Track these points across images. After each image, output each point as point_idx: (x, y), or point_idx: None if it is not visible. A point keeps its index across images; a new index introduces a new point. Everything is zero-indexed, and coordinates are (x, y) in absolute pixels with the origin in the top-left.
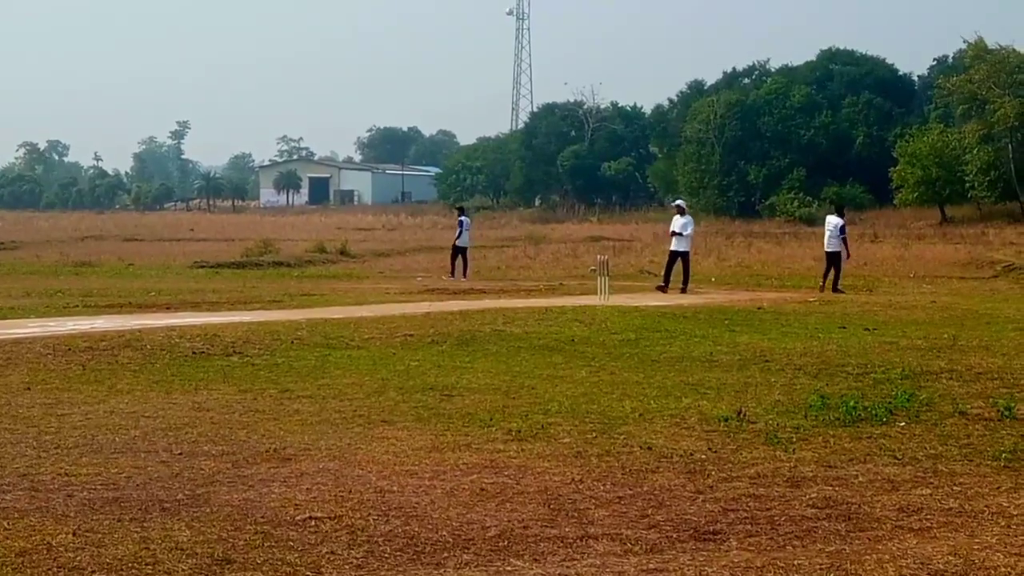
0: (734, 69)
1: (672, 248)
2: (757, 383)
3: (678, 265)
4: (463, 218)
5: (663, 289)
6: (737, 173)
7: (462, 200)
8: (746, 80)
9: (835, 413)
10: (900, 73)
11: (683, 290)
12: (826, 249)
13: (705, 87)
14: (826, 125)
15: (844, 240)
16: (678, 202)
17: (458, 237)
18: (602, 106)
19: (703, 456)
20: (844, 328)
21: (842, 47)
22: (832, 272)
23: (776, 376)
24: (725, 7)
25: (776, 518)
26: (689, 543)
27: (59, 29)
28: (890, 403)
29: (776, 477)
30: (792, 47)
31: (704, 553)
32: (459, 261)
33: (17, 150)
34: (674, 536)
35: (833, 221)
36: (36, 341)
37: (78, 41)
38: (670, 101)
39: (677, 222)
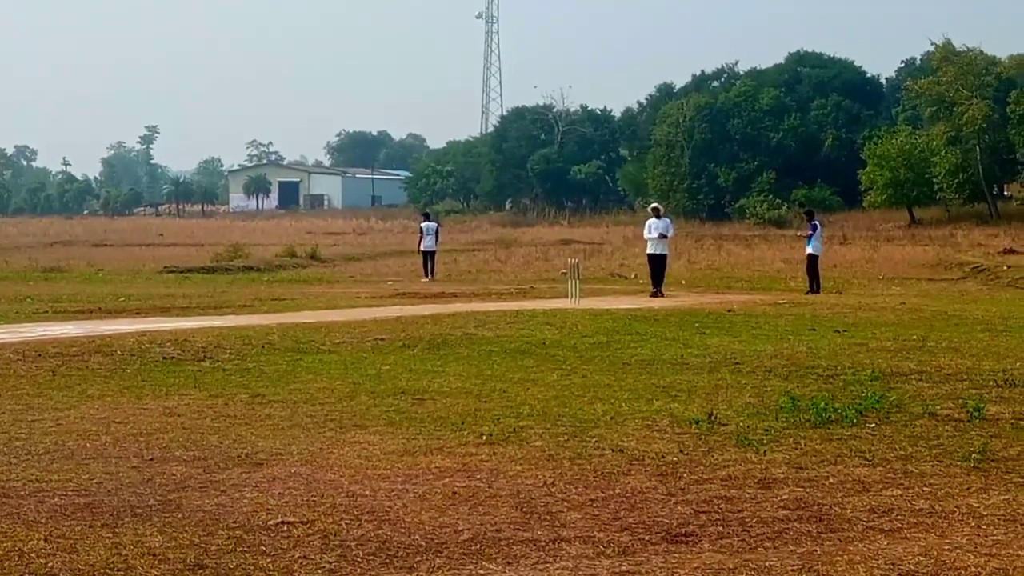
0: (703, 72)
1: (654, 252)
2: (728, 385)
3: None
4: (423, 224)
5: (658, 294)
6: (707, 176)
7: (432, 204)
8: (715, 83)
9: (805, 415)
10: (868, 75)
11: (657, 293)
12: (817, 252)
13: (674, 90)
14: (795, 128)
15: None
16: (655, 204)
17: (421, 242)
18: (572, 109)
19: (674, 458)
20: (814, 330)
21: (810, 50)
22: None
23: (747, 378)
24: (694, 10)
25: (748, 520)
26: (661, 545)
27: (27, 32)
28: (860, 404)
29: (747, 479)
30: (760, 50)
31: (676, 555)
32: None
33: None
34: (646, 538)
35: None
36: (5, 347)
37: (45, 44)
38: (639, 104)
39: (658, 225)
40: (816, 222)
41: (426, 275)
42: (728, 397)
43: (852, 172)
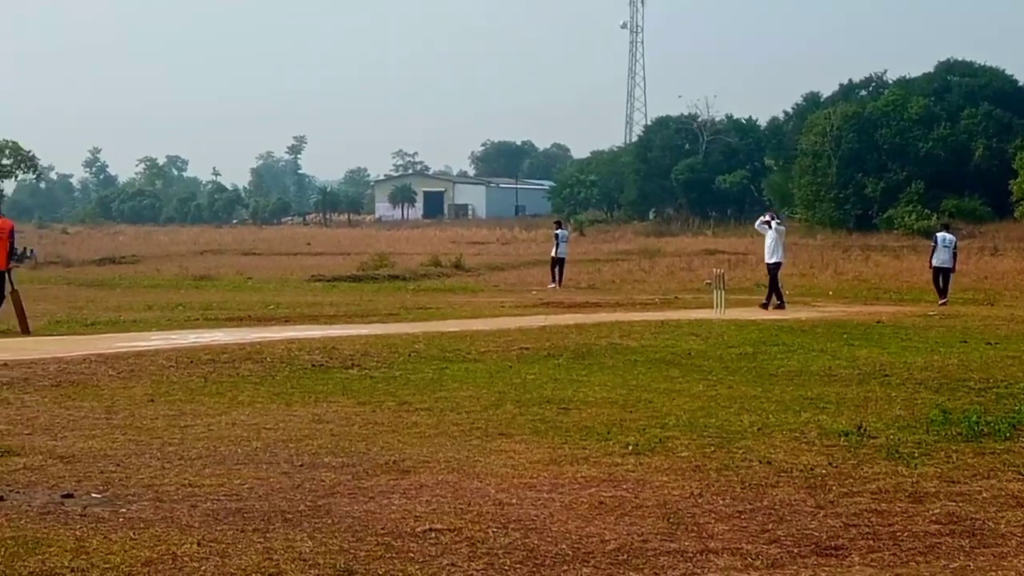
0: (850, 81)
1: (775, 261)
2: (877, 397)
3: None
4: (559, 231)
5: (781, 307)
6: (854, 186)
7: (576, 214)
8: (863, 92)
9: (957, 428)
10: (1020, 84)
11: (765, 305)
12: (945, 265)
13: (821, 99)
14: (944, 137)
15: (954, 255)
16: (770, 214)
17: (556, 249)
18: (717, 119)
19: (823, 471)
20: (965, 342)
21: (960, 58)
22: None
23: (896, 390)
24: (841, 19)
25: (899, 534)
26: (811, 558)
27: (179, 44)
28: (1014, 418)
29: (898, 492)
30: (909, 59)
31: (826, 568)
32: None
33: (137, 165)
34: (795, 551)
35: (950, 237)
36: (159, 353)
37: (197, 57)
38: (785, 114)
39: (772, 234)
40: (937, 234)
41: (552, 281)
42: (878, 409)
43: (1004, 182)
